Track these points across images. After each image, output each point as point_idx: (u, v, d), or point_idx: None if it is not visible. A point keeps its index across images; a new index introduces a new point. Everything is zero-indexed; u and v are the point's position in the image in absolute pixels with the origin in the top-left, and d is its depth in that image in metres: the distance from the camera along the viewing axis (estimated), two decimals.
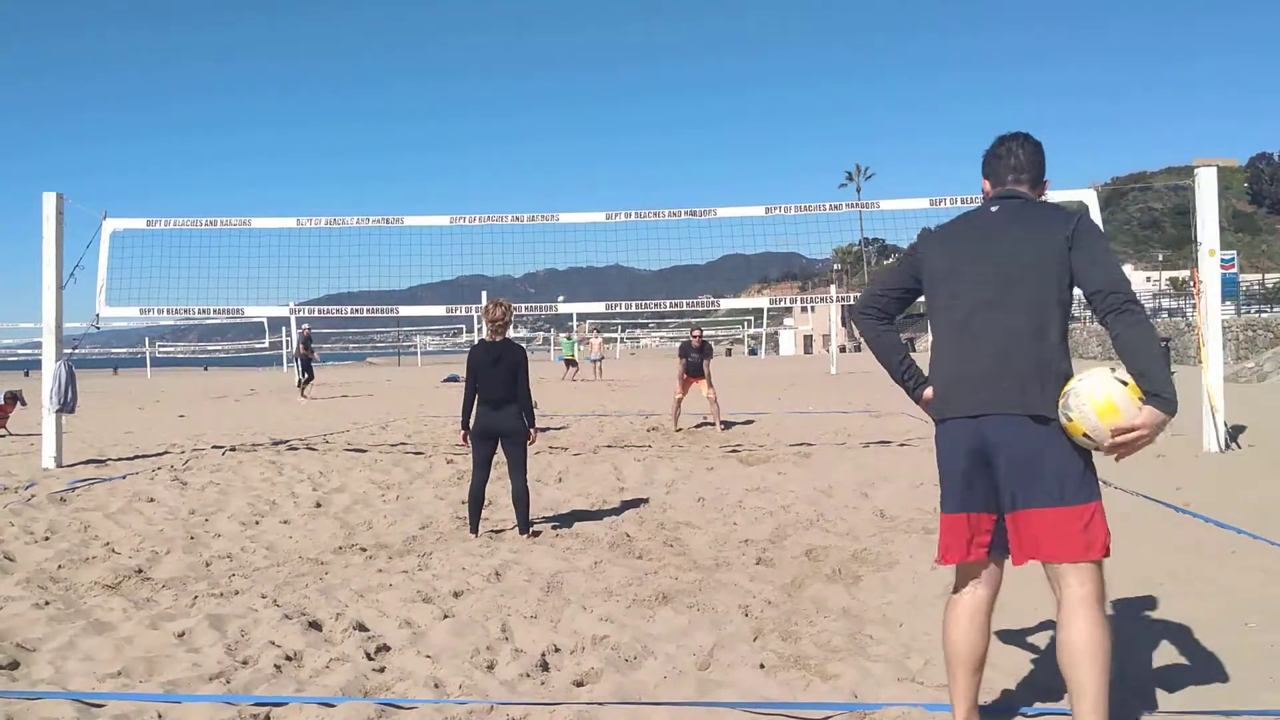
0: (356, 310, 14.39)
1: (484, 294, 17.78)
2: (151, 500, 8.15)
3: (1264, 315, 27.91)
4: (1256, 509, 6.69)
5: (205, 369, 59.30)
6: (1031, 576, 3.04)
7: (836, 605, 4.72)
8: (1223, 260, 14.66)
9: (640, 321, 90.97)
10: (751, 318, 77.75)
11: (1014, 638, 4.06)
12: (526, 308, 12.72)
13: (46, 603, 4.93)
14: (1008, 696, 3.48)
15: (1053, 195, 10.95)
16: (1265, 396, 15.80)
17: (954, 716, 2.99)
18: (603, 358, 35.52)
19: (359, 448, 12.04)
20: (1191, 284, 10.16)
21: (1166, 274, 60.66)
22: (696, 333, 13.83)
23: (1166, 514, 6.69)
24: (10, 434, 13.90)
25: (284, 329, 42.49)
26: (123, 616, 4.71)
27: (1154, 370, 2.67)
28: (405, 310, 18.39)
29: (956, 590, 3.01)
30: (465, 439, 6.64)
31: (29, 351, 49.51)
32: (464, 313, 14.08)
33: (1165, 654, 3.95)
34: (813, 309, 75.28)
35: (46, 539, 6.58)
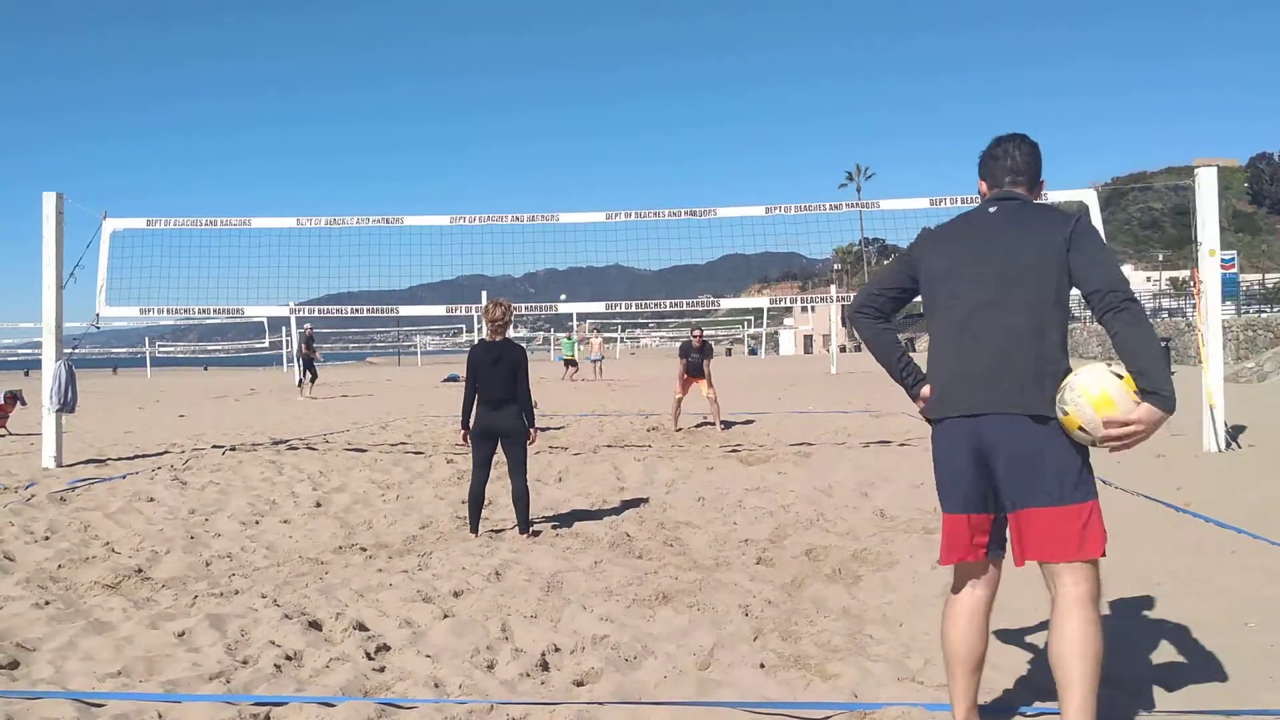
0: (356, 310, 14.39)
1: (484, 294, 17.79)
2: (151, 500, 8.15)
3: (1264, 315, 27.91)
4: (1256, 509, 6.69)
5: (205, 369, 59.31)
6: (1031, 576, 3.05)
7: (836, 605, 4.72)
8: (1223, 260, 14.66)
9: (640, 321, 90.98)
10: (751, 318, 77.77)
11: (1014, 637, 4.06)
12: (526, 308, 12.71)
13: (46, 602, 4.94)
14: (1007, 696, 3.48)
15: (1052, 195, 10.97)
16: (1265, 396, 15.79)
17: (954, 716, 2.99)
18: (603, 358, 35.51)
19: (359, 447, 12.04)
20: (1191, 284, 10.16)
21: (1166, 274, 60.63)
22: (697, 333, 13.83)
23: (1166, 514, 6.69)
24: (10, 434, 13.90)
25: (284, 329, 42.48)
26: (123, 616, 4.71)
27: (1152, 368, 2.68)
28: (405, 310, 18.39)
29: (955, 591, 3.02)
30: (465, 439, 6.64)
31: (29, 351, 49.52)
32: (464, 313, 14.09)
33: (1165, 654, 3.95)
34: (813, 309, 75.28)
35: (46, 539, 6.58)
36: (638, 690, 3.68)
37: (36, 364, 16.16)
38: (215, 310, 13.06)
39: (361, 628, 4.49)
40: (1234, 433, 10.13)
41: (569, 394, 23.36)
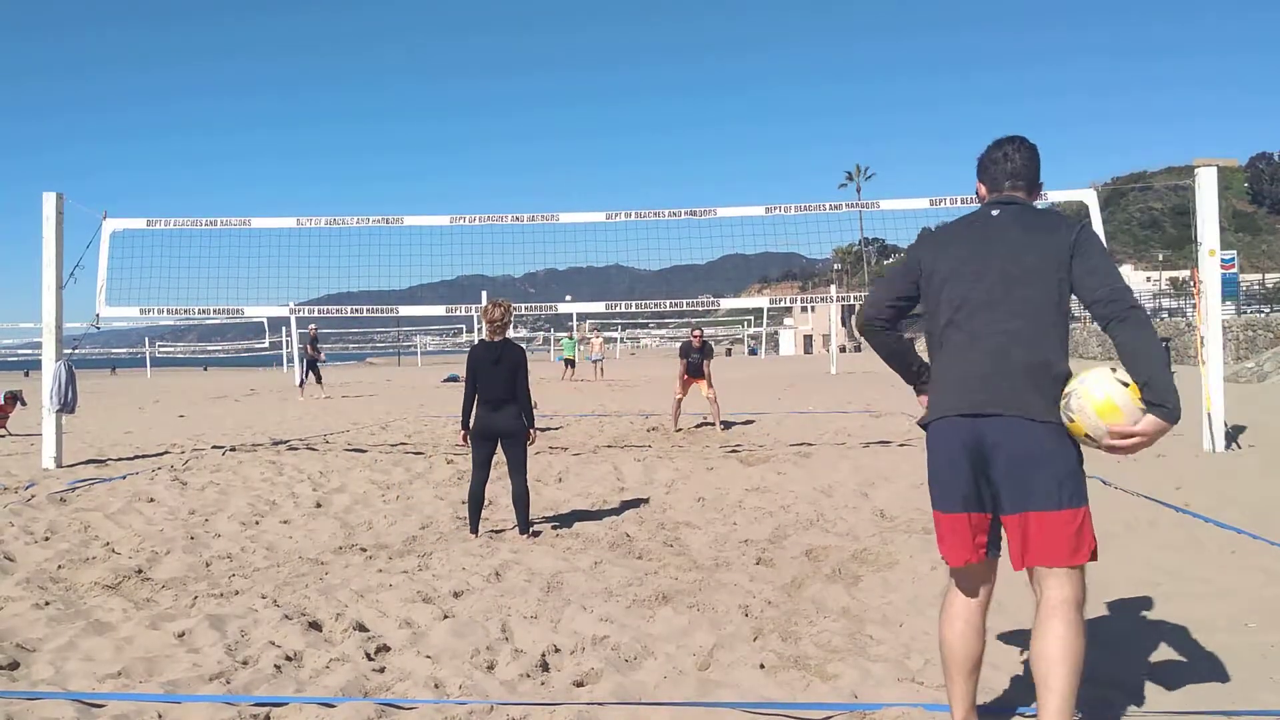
0: (356, 310, 14.39)
1: (484, 294, 17.78)
2: (151, 500, 8.15)
3: (1264, 315, 27.91)
4: (1256, 509, 6.69)
5: (205, 369, 59.32)
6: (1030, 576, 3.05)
7: (836, 605, 4.72)
8: (1223, 260, 14.66)
9: (640, 321, 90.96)
10: (751, 318, 77.79)
11: (1012, 638, 4.06)
12: (526, 308, 12.71)
13: (46, 603, 4.94)
14: (1006, 696, 3.48)
15: (1052, 195, 10.97)
16: (1265, 396, 15.80)
17: (953, 717, 2.99)
18: (603, 358, 35.50)
19: (359, 448, 12.04)
20: (1191, 284, 10.16)
21: (1166, 274, 60.63)
22: (697, 333, 13.83)
23: (1166, 514, 6.69)
24: (10, 434, 13.90)
25: (284, 329, 42.47)
26: (123, 617, 4.71)
27: (1158, 379, 2.68)
28: (405, 310, 18.38)
29: (951, 592, 3.02)
30: (465, 439, 6.64)
31: (29, 351, 49.53)
32: (464, 313, 14.08)
33: (1164, 654, 3.95)
34: (813, 309, 75.29)
35: (46, 539, 6.58)
36: (638, 691, 3.68)
37: (36, 364, 16.17)
38: (215, 310, 13.06)
39: (361, 628, 4.50)
40: (1234, 433, 10.13)
41: (569, 394, 23.36)
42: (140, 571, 5.66)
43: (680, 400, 13.67)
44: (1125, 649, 3.99)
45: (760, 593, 4.98)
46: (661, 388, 21.08)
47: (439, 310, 13.28)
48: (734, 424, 14.27)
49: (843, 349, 51.98)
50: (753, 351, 72.67)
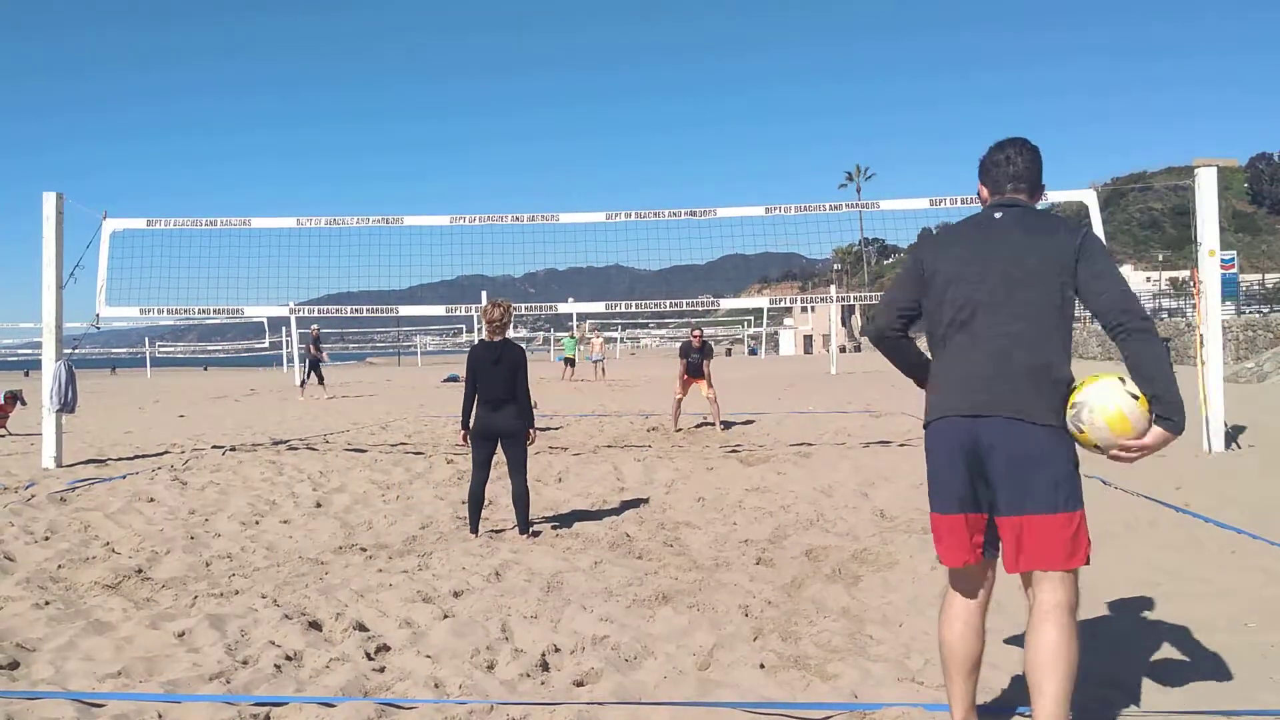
0: (356, 310, 14.38)
1: (484, 294, 17.78)
2: (151, 500, 8.15)
3: (1264, 315, 27.91)
4: (1256, 509, 6.69)
5: (205, 369, 59.32)
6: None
7: (836, 605, 4.72)
8: (1223, 260, 14.66)
9: (640, 321, 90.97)
10: (751, 318, 77.78)
11: (1012, 638, 4.06)
12: (526, 308, 12.71)
13: (46, 603, 4.94)
14: (1006, 696, 3.48)
15: (1052, 195, 10.94)
16: (1265, 396, 15.80)
17: (952, 717, 2.99)
18: (604, 358, 35.49)
19: (359, 448, 12.04)
20: (1191, 284, 10.16)
21: (1166, 274, 60.60)
22: (696, 333, 13.83)
23: (1166, 514, 6.69)
24: (10, 434, 13.90)
25: (284, 329, 42.47)
26: (123, 616, 4.71)
27: (1168, 395, 2.73)
28: (405, 310, 18.38)
29: (950, 593, 3.02)
30: (465, 439, 6.64)
31: (29, 351, 49.53)
32: (464, 313, 14.08)
33: (1164, 654, 3.95)
34: (813, 309, 75.29)
35: (46, 539, 6.58)
36: (638, 690, 3.68)
37: (36, 364, 16.17)
38: (215, 310, 13.06)
39: (361, 628, 4.50)
40: (1234, 433, 10.13)
41: (569, 394, 23.36)
42: (140, 571, 5.66)
43: (680, 400, 13.67)
44: (1125, 649, 3.99)
45: (760, 593, 4.98)
46: (661, 388, 21.08)
47: (439, 310, 13.29)
48: (734, 424, 14.27)
49: (843, 349, 51.97)
50: (753, 351, 72.67)
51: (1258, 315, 28.34)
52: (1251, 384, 18.38)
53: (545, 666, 3.96)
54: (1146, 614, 4.47)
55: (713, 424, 13.57)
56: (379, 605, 4.85)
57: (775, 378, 30.03)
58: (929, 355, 3.21)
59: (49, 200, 10.60)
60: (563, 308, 14.37)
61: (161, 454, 11.61)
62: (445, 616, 4.63)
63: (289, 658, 4.07)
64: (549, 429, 13.82)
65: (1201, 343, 9.72)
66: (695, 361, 13.39)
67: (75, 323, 13.32)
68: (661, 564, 5.69)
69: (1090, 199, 10.66)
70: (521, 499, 6.58)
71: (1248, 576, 5.02)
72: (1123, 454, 2.82)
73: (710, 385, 13.42)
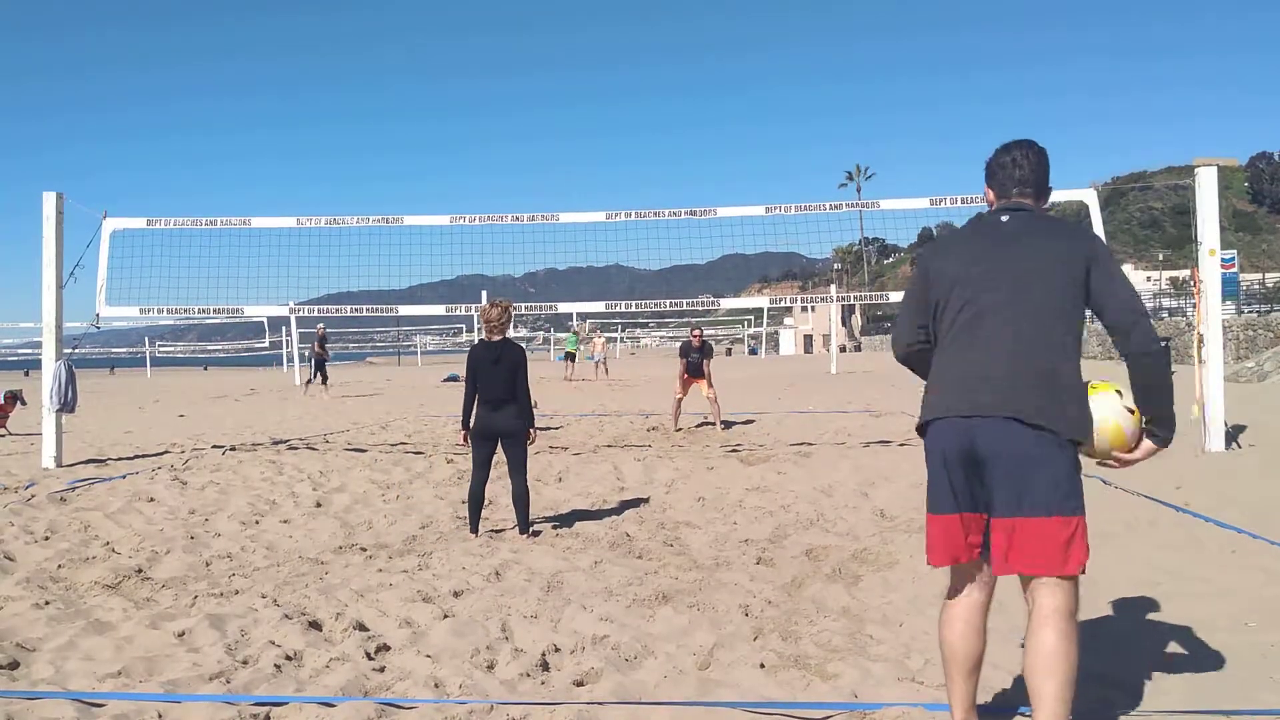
0: (356, 310, 14.37)
1: (484, 294, 17.79)
2: (151, 500, 8.15)
3: (1264, 315, 27.90)
4: (1256, 509, 6.69)
5: (205, 369, 59.33)
6: None
7: (836, 605, 4.72)
8: (1223, 260, 14.64)
9: (640, 321, 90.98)
10: (751, 317, 77.79)
11: (1013, 638, 4.06)
12: (526, 307, 12.71)
13: (46, 603, 4.94)
14: (1007, 696, 3.48)
15: (1052, 195, 10.94)
16: (1265, 396, 15.80)
17: (952, 717, 2.99)
18: (605, 357, 35.48)
19: (359, 447, 12.04)
20: (1192, 283, 10.16)
21: (1166, 274, 60.60)
22: (696, 332, 13.83)
23: (1166, 514, 6.69)
24: (10, 434, 13.90)
25: (284, 329, 42.47)
26: (123, 616, 4.71)
27: (1167, 415, 2.86)
28: (405, 310, 18.37)
29: (951, 593, 3.01)
30: (465, 439, 6.64)
31: (29, 351, 49.54)
32: (464, 312, 14.08)
33: (1164, 654, 3.94)
34: (813, 309, 75.29)
35: (46, 539, 6.58)
36: (638, 690, 3.68)
37: (36, 364, 16.17)
38: (215, 310, 13.06)
39: (361, 628, 4.50)
40: (1234, 433, 10.13)
41: (569, 394, 23.36)
42: (140, 571, 5.66)
43: (680, 400, 13.67)
44: (1125, 649, 3.99)
45: (760, 592, 4.98)
46: (661, 388, 21.09)
47: (439, 310, 13.29)
48: (734, 424, 14.27)
49: (843, 348, 51.97)
50: (753, 351, 72.68)
51: (1256, 315, 28.34)
52: (1251, 384, 18.38)
53: (545, 666, 3.95)
54: (1146, 614, 4.47)
55: (713, 423, 13.57)
56: (379, 605, 4.85)
57: (775, 377, 30.03)
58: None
59: (49, 200, 10.60)
60: (562, 306, 14.37)
61: (161, 454, 11.61)
62: (445, 616, 4.63)
63: (289, 657, 4.07)
64: (549, 429, 13.82)
65: (1201, 342, 9.72)
66: (695, 361, 13.39)
67: (75, 322, 13.32)
68: (661, 564, 5.69)
69: (1090, 199, 10.66)
70: (521, 499, 6.58)
71: (1248, 576, 5.02)
72: (1112, 463, 2.95)
73: (710, 385, 13.42)
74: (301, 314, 22.70)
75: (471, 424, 6.56)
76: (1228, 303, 27.81)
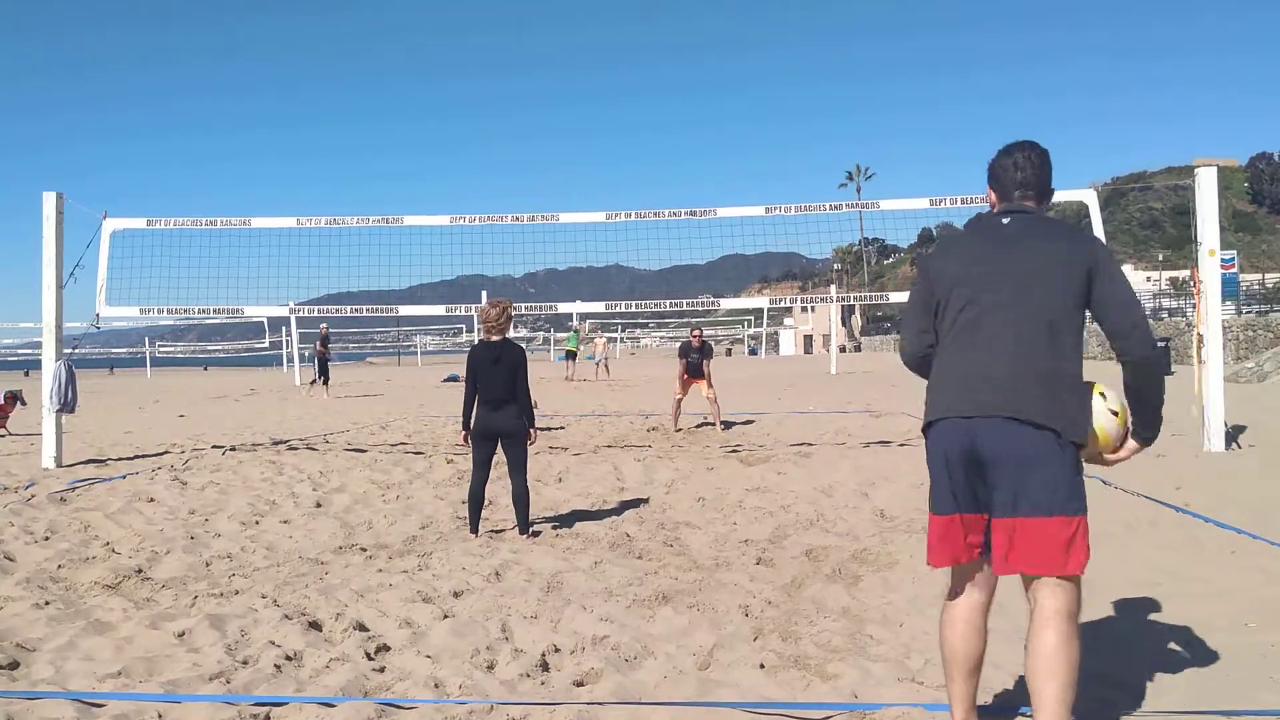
0: (356, 310, 14.37)
1: (484, 294, 17.79)
2: (151, 500, 8.15)
3: (1264, 315, 27.90)
4: (1256, 509, 6.69)
5: (205, 369, 59.33)
6: None
7: (836, 605, 4.72)
8: (1223, 260, 14.65)
9: (640, 321, 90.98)
10: (751, 318, 77.79)
11: (1013, 638, 4.06)
12: (526, 307, 12.71)
13: (46, 603, 4.94)
14: (1007, 696, 3.48)
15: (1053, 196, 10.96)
16: (1265, 396, 15.80)
17: (953, 717, 2.99)
18: (606, 357, 35.49)
19: (359, 448, 12.04)
20: (1191, 284, 10.16)
21: (1166, 274, 60.57)
22: (696, 332, 13.83)
23: (1166, 514, 6.69)
24: (10, 434, 13.90)
25: (284, 329, 42.47)
26: (123, 616, 4.71)
27: (1154, 420, 2.92)
28: (405, 310, 18.38)
29: (952, 593, 3.01)
30: (465, 439, 6.64)
31: (29, 351, 49.53)
32: (464, 312, 14.08)
33: (1164, 654, 3.94)
34: (813, 309, 75.30)
35: (46, 539, 6.58)
36: (638, 690, 3.68)
37: (36, 364, 16.17)
38: (215, 310, 13.06)
39: (361, 628, 4.50)
40: (1234, 433, 10.13)
41: (569, 394, 23.36)
42: (140, 571, 5.66)
43: (680, 400, 13.67)
44: (1125, 649, 3.99)
45: (760, 593, 4.98)
46: (661, 388, 21.08)
47: (439, 310, 13.29)
48: (734, 424, 14.27)
49: (843, 349, 51.97)
50: (753, 351, 72.69)
51: (1256, 315, 28.34)
52: (1251, 384, 18.39)
53: (545, 666, 3.96)
54: (1146, 614, 4.47)
55: (713, 424, 13.57)
56: (379, 605, 4.85)
57: (775, 378, 30.04)
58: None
59: (49, 200, 10.60)
60: (563, 307, 14.37)
61: (161, 454, 11.61)
62: (445, 616, 4.63)
63: (289, 658, 4.07)
64: (549, 429, 13.82)
65: (1201, 342, 9.72)
66: (695, 361, 13.39)
67: (75, 323, 13.32)
68: (661, 564, 5.69)
69: (1090, 199, 10.66)
70: (521, 499, 6.58)
71: (1247, 576, 5.02)
72: (1097, 461, 3.00)
73: (710, 385, 13.42)
74: (301, 314, 22.72)
75: (471, 424, 6.56)
76: (1227, 303, 27.81)
